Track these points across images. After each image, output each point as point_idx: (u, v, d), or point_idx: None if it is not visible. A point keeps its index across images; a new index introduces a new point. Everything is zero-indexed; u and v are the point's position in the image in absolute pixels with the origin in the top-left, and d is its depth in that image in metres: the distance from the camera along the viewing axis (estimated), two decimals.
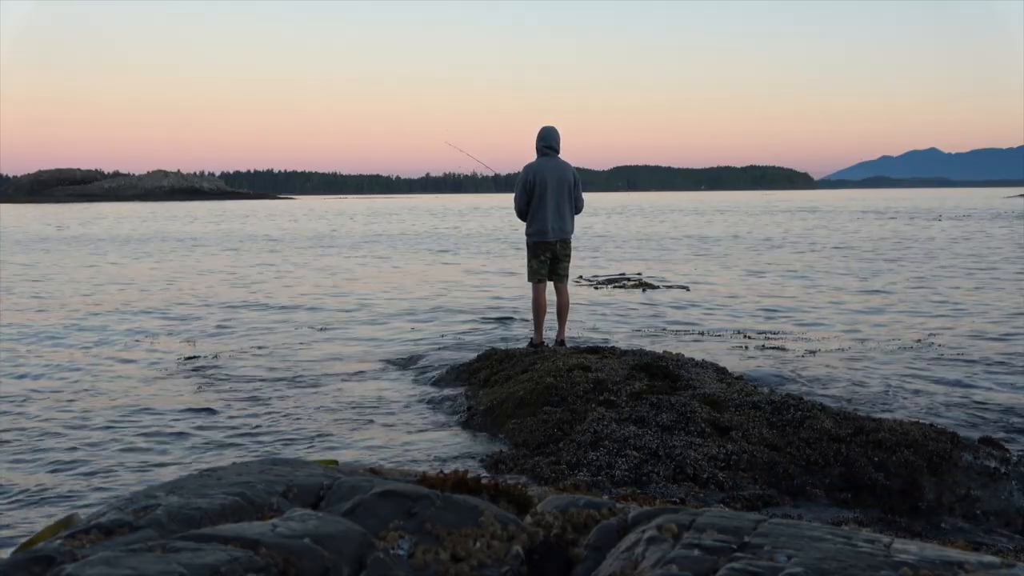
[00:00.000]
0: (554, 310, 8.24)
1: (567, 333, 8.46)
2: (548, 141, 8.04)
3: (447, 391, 7.21)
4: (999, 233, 31.77)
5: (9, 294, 14.88)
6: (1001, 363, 8.52)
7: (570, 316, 8.60)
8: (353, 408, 6.87)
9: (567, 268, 8.19)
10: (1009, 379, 7.83)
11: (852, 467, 4.94)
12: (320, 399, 7.18)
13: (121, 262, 22.05)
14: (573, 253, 8.33)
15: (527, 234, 8.10)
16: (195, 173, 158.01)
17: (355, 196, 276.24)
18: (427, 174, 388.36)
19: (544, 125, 8.14)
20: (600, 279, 16.50)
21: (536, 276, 8.09)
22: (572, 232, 8.14)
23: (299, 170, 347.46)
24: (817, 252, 23.48)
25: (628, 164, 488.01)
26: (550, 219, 7.93)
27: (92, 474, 5.37)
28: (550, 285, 8.20)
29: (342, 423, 6.44)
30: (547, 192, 7.89)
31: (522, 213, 8.08)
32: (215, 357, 9.02)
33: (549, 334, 8.27)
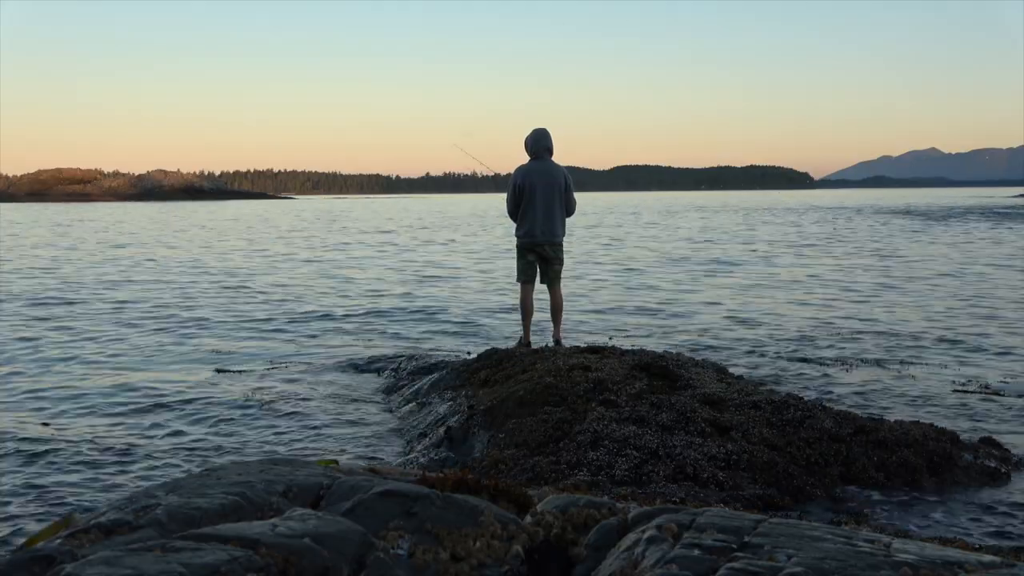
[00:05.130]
0: (548, 311, 8.29)
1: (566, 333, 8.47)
2: (540, 144, 8.06)
3: (447, 391, 7.20)
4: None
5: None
6: (1001, 362, 8.52)
7: (566, 316, 8.59)
8: (353, 407, 6.87)
9: (559, 271, 8.21)
10: (1010, 378, 7.83)
11: (852, 467, 4.93)
12: (319, 398, 7.17)
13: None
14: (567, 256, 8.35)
15: (516, 235, 8.16)
16: (195, 173, 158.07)
17: (355, 196, 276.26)
18: (427, 173, 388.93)
19: (535, 127, 8.16)
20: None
21: (522, 276, 8.15)
22: (563, 235, 8.17)
23: (299, 169, 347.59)
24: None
25: (628, 164, 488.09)
26: (539, 221, 7.98)
27: (92, 473, 5.37)
28: (541, 287, 8.24)
29: (342, 422, 6.44)
30: (536, 195, 7.94)
31: (512, 215, 8.14)
32: (217, 352, 9.02)
33: (541, 336, 8.29)
